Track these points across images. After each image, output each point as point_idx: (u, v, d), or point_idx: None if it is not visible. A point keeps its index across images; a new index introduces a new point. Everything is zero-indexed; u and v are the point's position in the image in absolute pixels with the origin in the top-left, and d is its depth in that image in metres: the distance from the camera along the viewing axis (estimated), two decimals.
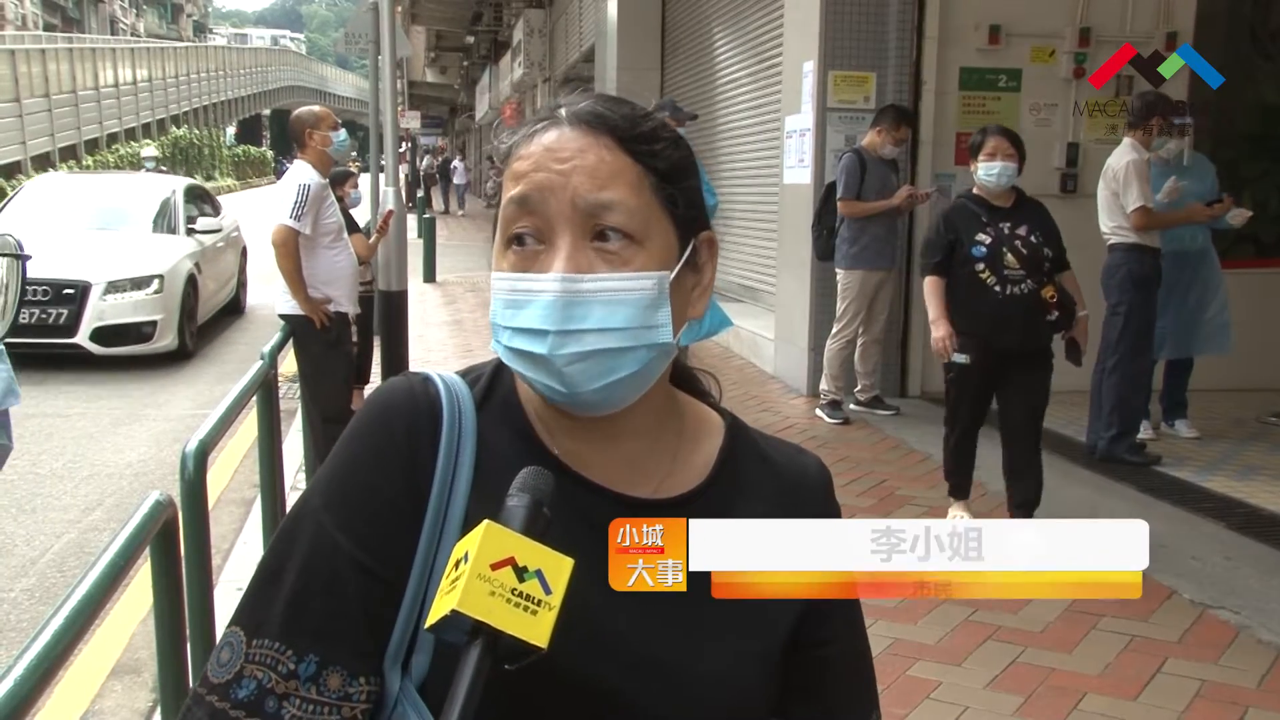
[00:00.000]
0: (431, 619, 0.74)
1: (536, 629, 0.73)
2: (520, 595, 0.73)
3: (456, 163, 31.90)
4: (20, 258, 1.41)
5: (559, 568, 0.75)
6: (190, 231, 9.64)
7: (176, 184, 10.99)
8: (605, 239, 0.85)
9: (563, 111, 0.89)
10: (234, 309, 10.99)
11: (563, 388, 0.85)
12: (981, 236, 4.13)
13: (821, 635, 0.95)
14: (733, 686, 0.89)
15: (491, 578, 0.73)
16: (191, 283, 8.97)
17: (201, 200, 10.89)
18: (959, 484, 4.51)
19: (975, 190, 4.28)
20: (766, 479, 0.97)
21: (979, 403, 4.36)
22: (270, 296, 5.51)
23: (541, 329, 0.84)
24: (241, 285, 11.36)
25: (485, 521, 0.75)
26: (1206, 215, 5.38)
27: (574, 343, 0.84)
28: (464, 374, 0.95)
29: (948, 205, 4.69)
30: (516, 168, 0.88)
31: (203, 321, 9.43)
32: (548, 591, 0.74)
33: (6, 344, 1.35)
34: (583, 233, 0.85)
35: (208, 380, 8.00)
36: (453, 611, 0.72)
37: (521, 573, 0.74)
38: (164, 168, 23.92)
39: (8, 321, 1.36)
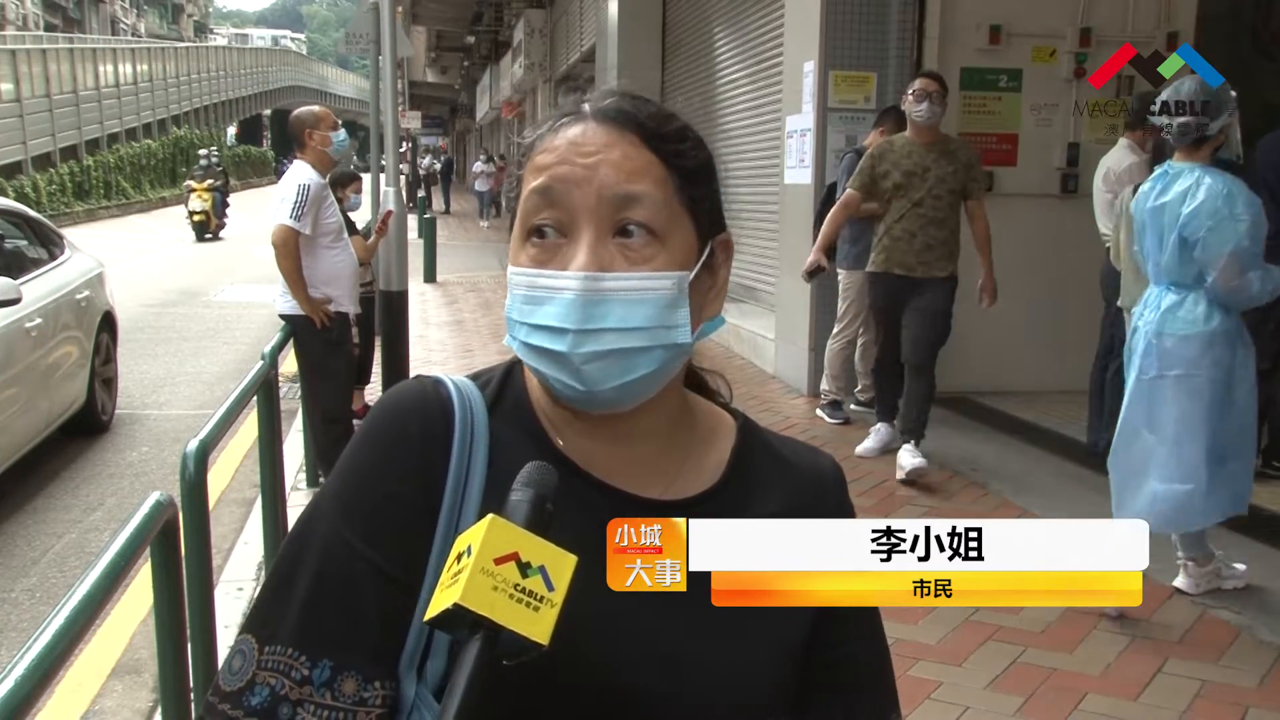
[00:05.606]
0: (431, 612, 0.73)
1: (538, 625, 0.72)
2: (523, 591, 0.72)
3: (479, 165, 26.43)
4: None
5: (562, 565, 0.74)
6: None
7: None
8: (628, 235, 0.85)
9: (587, 107, 0.89)
10: (84, 425, 6.21)
11: (580, 385, 0.85)
12: None
13: (838, 635, 0.95)
14: (740, 683, 0.89)
15: (495, 572, 0.72)
16: None
17: None
18: None
19: None
20: (781, 478, 0.96)
21: None
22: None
23: (561, 327, 0.83)
24: (104, 384, 6.52)
25: (489, 515, 0.75)
26: None
27: (593, 341, 0.83)
28: (474, 377, 0.95)
29: None
30: (540, 160, 0.87)
31: None
32: (550, 588, 0.73)
33: None
34: (606, 227, 0.85)
35: None
36: (455, 605, 0.71)
37: (525, 568, 0.73)
38: None
39: None
